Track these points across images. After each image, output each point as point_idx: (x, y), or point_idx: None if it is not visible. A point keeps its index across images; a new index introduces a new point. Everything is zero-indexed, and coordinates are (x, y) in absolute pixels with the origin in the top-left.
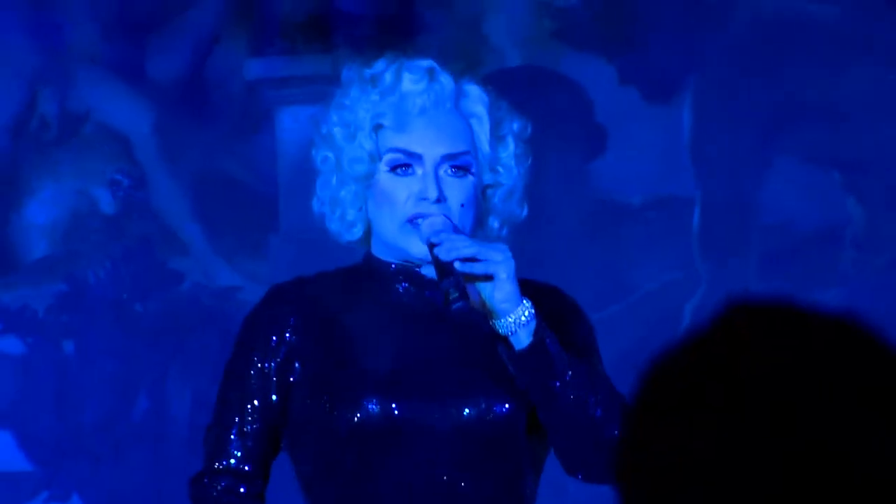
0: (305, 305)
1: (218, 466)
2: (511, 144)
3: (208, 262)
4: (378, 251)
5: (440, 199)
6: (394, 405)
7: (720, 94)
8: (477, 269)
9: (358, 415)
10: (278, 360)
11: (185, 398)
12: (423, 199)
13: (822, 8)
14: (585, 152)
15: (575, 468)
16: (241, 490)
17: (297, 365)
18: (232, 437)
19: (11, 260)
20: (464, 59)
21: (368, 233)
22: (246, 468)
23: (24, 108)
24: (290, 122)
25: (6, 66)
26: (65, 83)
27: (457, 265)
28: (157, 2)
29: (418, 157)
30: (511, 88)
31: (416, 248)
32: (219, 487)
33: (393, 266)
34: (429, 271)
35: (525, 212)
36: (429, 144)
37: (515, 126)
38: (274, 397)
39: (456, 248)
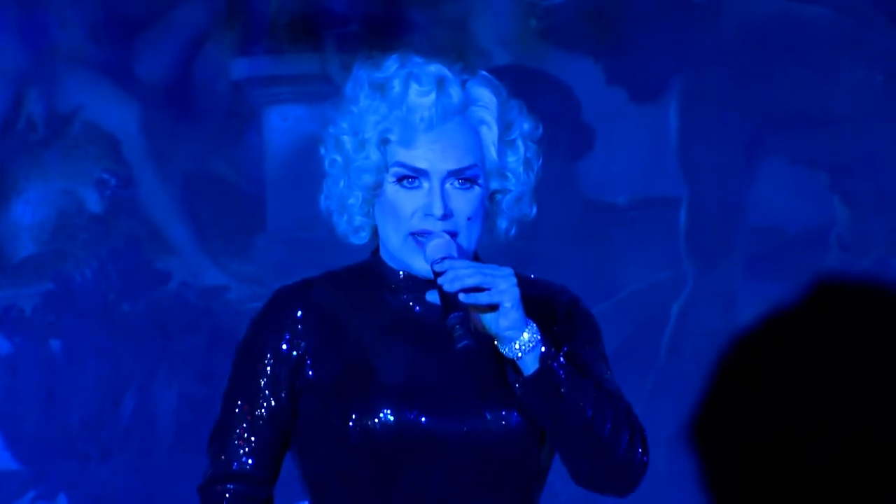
0: (313, 309)
1: (227, 471)
2: (521, 148)
3: (195, 261)
4: (386, 256)
5: (446, 216)
6: (408, 415)
7: (708, 94)
8: (481, 298)
9: (372, 423)
10: (289, 365)
11: (172, 397)
12: (428, 214)
13: (810, 9)
14: (572, 152)
15: (583, 482)
16: (252, 494)
17: (309, 371)
18: (240, 441)
19: None
20: (449, 59)
21: (375, 233)
22: (256, 473)
23: (11, 108)
24: (278, 121)
25: None
26: (52, 83)
27: (461, 296)
28: (143, 2)
29: (424, 173)
30: None
31: (419, 265)
32: (229, 493)
33: (401, 274)
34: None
35: (534, 211)
36: (435, 160)
37: (526, 127)
38: (283, 400)
39: (459, 279)
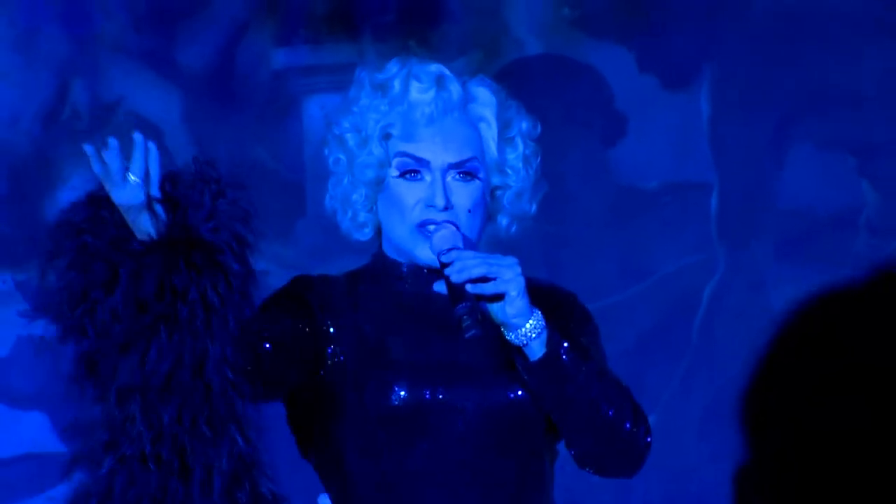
0: (329, 295)
1: None
2: (520, 146)
3: None
4: (388, 250)
5: (447, 207)
6: (422, 390)
7: (738, 80)
8: (487, 289)
9: (388, 400)
10: (308, 330)
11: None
12: (430, 205)
13: None
14: (605, 139)
15: (588, 464)
16: None
17: (331, 344)
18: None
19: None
20: (484, 48)
21: (378, 231)
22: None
23: (56, 97)
24: (317, 110)
25: (37, 56)
26: (95, 73)
27: (468, 287)
28: None
29: (426, 163)
30: (531, 77)
31: (425, 255)
32: None
33: (404, 268)
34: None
35: (534, 209)
36: (436, 152)
37: (524, 126)
38: (280, 343)
39: (466, 269)
